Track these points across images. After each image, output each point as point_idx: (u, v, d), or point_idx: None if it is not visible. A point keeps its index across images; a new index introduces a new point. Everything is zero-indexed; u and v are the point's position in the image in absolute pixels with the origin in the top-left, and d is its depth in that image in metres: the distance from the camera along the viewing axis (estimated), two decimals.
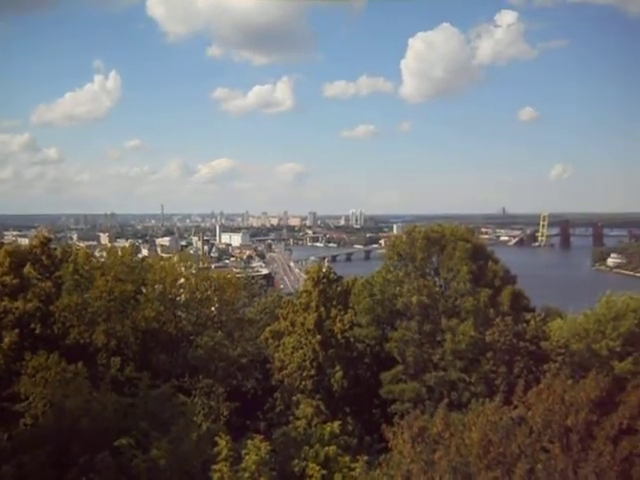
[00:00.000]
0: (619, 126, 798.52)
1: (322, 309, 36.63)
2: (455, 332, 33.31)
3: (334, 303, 37.27)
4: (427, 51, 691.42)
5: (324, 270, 39.15)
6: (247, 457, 20.52)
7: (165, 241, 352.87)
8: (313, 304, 36.91)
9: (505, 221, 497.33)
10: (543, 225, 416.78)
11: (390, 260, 38.12)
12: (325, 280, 37.82)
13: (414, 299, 34.31)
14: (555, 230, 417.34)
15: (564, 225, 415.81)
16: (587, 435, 15.38)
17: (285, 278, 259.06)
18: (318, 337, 35.53)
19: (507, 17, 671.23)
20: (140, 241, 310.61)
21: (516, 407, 17.13)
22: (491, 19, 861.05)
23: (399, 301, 35.17)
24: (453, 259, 35.16)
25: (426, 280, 35.79)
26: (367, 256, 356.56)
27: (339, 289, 38.29)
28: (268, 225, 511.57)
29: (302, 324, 36.46)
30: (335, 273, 39.69)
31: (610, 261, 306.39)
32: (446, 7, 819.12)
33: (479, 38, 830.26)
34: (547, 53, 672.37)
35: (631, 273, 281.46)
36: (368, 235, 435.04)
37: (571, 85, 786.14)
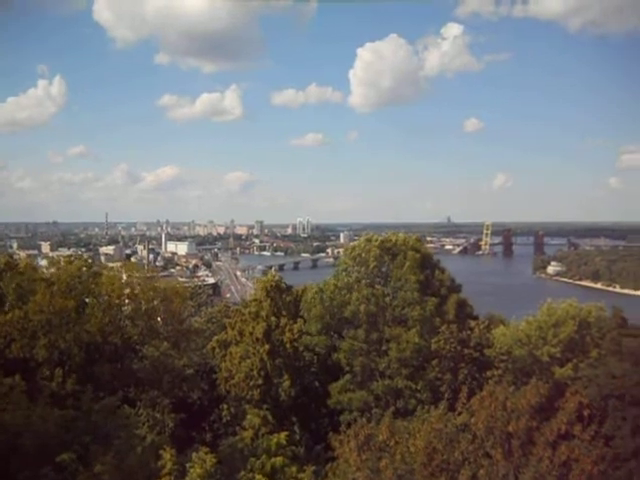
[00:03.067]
0: (559, 137, 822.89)
1: (272, 318, 36.53)
2: (400, 340, 33.70)
3: (283, 312, 37.21)
4: (375, 61, 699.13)
5: (275, 279, 39.06)
6: (192, 470, 20.25)
7: (109, 250, 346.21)
8: (263, 313, 36.77)
9: (450, 230, 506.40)
10: (486, 234, 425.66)
11: (343, 266, 38.40)
12: (276, 289, 37.77)
13: (362, 308, 34.59)
14: (498, 239, 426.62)
15: (506, 234, 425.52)
16: (527, 441, 15.77)
17: (232, 287, 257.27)
18: (266, 346, 35.37)
19: (453, 30, 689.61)
20: (83, 250, 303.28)
21: (460, 414, 17.42)
22: (438, 31, 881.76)
23: (348, 309, 35.39)
24: (403, 268, 35.65)
25: (375, 289, 36.17)
26: (314, 265, 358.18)
27: (289, 298, 38.26)
28: (215, 234, 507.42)
29: (251, 333, 36.23)
30: (285, 283, 39.65)
31: (550, 269, 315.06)
32: (394, 18, 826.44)
33: (426, 50, 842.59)
34: (492, 65, 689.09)
35: (570, 281, 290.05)
36: (315, 244, 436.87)
37: (514, 97, 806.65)
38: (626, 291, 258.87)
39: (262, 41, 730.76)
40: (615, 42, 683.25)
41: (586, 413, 16.50)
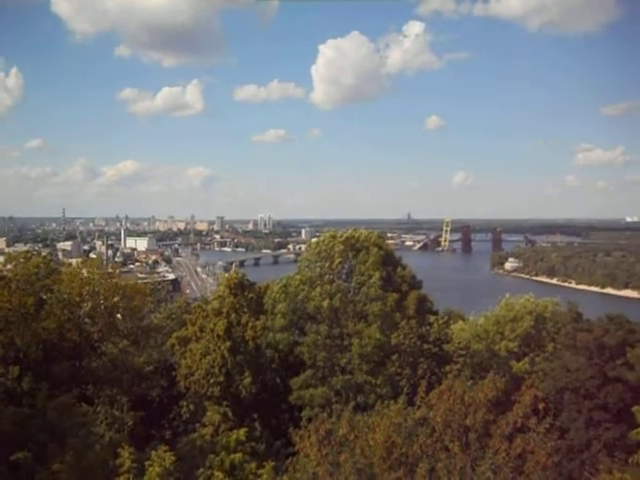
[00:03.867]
0: (518, 136, 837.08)
1: (234, 315, 36.41)
2: (362, 336, 33.93)
3: (246, 309, 37.12)
4: (337, 58, 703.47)
5: (239, 276, 38.93)
6: (150, 468, 20.10)
7: (67, 245, 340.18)
8: (225, 310, 36.65)
9: (410, 226, 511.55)
10: (446, 230, 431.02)
11: (306, 262, 38.46)
12: (239, 286, 37.64)
13: (325, 303, 34.71)
14: (457, 235, 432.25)
15: (465, 230, 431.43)
16: (484, 434, 16.06)
17: (192, 283, 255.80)
18: (228, 343, 35.24)
19: (415, 28, 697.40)
20: (40, 246, 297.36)
21: (419, 408, 17.64)
22: (399, 29, 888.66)
23: (311, 304, 35.46)
24: (366, 264, 35.88)
25: (339, 284, 36.36)
26: (275, 261, 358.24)
27: (252, 295, 38.16)
28: (175, 229, 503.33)
29: (212, 330, 36.07)
30: (248, 280, 39.54)
31: (508, 265, 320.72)
32: (356, 15, 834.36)
33: (388, 47, 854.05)
34: (453, 64, 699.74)
35: (527, 276, 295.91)
36: (277, 240, 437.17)
37: (474, 95, 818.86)
38: (581, 286, 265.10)
39: (224, 36, 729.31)
40: (572, 42, 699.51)
41: (541, 406, 16.86)
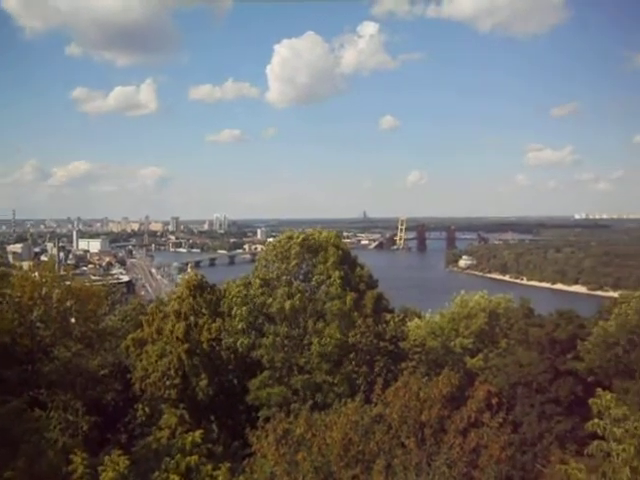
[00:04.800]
0: (471, 135, 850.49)
1: (192, 317, 36.16)
2: (322, 335, 34.03)
3: (204, 311, 36.90)
4: (292, 58, 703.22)
5: (198, 277, 38.69)
6: (104, 473, 19.84)
7: (17, 248, 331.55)
8: (183, 311, 36.37)
9: (366, 225, 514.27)
10: (401, 229, 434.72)
11: (263, 262, 38.35)
12: (198, 287, 37.40)
13: (287, 304, 34.71)
14: (412, 234, 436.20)
15: (420, 229, 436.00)
16: (439, 429, 16.31)
17: (147, 285, 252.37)
18: (185, 345, 35.00)
19: (369, 28, 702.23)
20: None
21: (375, 405, 17.81)
22: (354, 30, 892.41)
23: (273, 306, 35.41)
24: (326, 264, 35.98)
25: (297, 285, 36.39)
26: (231, 261, 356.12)
27: (210, 297, 37.92)
28: (129, 231, 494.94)
29: (171, 331, 35.79)
30: (207, 281, 39.30)
31: (462, 263, 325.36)
32: (311, 16, 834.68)
33: (342, 47, 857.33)
34: (406, 64, 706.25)
35: (480, 274, 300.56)
36: (232, 240, 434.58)
37: (428, 95, 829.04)
38: (532, 283, 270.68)
39: (178, 35, 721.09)
40: (522, 44, 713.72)
41: (495, 401, 17.19)
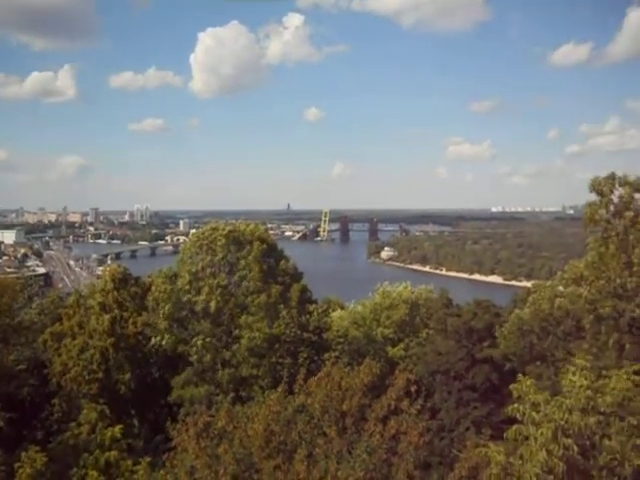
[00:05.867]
0: (394, 128, 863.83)
1: (116, 310, 35.37)
2: (252, 329, 33.85)
3: (129, 304, 36.15)
4: (217, 47, 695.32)
5: (122, 270, 37.78)
6: (21, 470, 19.26)
7: None
8: (108, 304, 35.54)
9: (290, 217, 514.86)
10: (325, 221, 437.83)
11: (188, 253, 37.83)
12: (122, 280, 36.56)
13: (212, 303, 34.43)
14: (336, 225, 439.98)
15: (344, 220, 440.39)
16: (360, 417, 16.56)
17: (65, 277, 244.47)
18: (110, 339, 34.22)
19: (295, 20, 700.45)
20: None
21: (298, 396, 17.90)
22: (280, 21, 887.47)
23: (198, 303, 35.03)
24: (248, 258, 35.80)
25: (221, 278, 36.08)
26: (153, 253, 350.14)
27: (135, 289, 37.15)
28: (46, 221, 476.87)
29: (94, 325, 34.91)
30: (131, 274, 38.44)
31: (384, 254, 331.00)
32: (236, 5, 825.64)
33: (268, 38, 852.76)
34: (331, 56, 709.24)
35: (402, 264, 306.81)
36: (154, 231, 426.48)
37: (353, 88, 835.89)
38: (451, 273, 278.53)
39: (98, 20, 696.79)
40: (444, 40, 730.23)
41: (414, 389, 17.56)
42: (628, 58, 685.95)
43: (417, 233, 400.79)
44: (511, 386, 15.15)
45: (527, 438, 12.90)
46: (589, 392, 12.28)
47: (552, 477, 11.50)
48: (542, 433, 12.31)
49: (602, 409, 11.98)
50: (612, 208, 24.94)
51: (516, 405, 13.76)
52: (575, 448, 11.58)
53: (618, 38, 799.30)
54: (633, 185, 24.55)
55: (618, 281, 24.30)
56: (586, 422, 11.67)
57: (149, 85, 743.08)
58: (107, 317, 34.89)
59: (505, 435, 14.30)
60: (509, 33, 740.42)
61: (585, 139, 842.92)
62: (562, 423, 12.04)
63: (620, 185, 24.75)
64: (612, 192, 24.87)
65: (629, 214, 24.15)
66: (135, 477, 21.54)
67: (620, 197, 24.74)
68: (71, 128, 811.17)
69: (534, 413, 13.12)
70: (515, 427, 13.48)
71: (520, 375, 15.55)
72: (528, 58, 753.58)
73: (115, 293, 36.13)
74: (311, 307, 36.91)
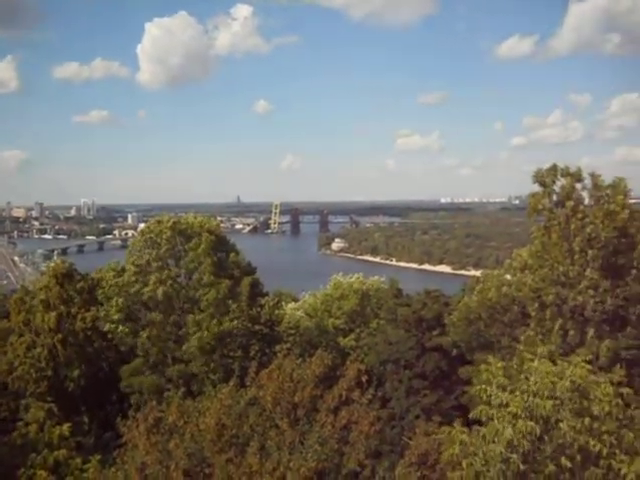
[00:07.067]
0: (343, 120, 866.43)
1: (62, 306, 34.66)
2: (201, 328, 33.57)
3: (76, 300, 35.48)
4: (164, 37, 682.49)
5: (66, 265, 36.98)
6: None
7: None
8: (52, 301, 34.80)
9: (240, 210, 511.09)
10: (275, 213, 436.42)
11: (136, 247, 37.29)
12: (66, 276, 35.83)
13: (160, 291, 33.96)
14: (286, 217, 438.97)
15: (294, 213, 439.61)
16: (312, 409, 16.70)
17: (9, 274, 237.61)
18: (58, 336, 33.58)
19: (243, 11, 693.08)
20: None
21: (250, 389, 17.90)
22: (228, 12, 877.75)
23: (145, 293, 34.56)
24: (197, 250, 35.42)
25: (170, 271, 35.69)
26: (101, 247, 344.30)
27: (81, 285, 36.44)
28: None
29: (41, 322, 34.17)
30: (77, 269, 37.69)
31: (335, 245, 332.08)
32: None
33: (217, 29, 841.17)
34: (280, 48, 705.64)
35: (352, 256, 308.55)
36: (101, 226, 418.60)
37: (302, 80, 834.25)
38: (401, 264, 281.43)
39: (40, 9, 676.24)
40: (393, 33, 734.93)
41: (365, 379, 17.77)
42: (571, 52, 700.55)
43: (367, 224, 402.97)
44: (481, 366, 15.32)
45: (491, 419, 13.17)
46: (552, 377, 12.63)
47: (515, 455, 11.83)
48: (509, 412, 12.61)
49: (558, 394, 12.36)
50: (554, 198, 25.73)
51: (483, 386, 14.01)
52: (538, 430, 11.95)
53: (561, 32, 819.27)
54: (574, 176, 25.38)
55: (561, 269, 24.99)
56: (545, 405, 12.06)
57: (95, 76, 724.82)
58: (53, 314, 34.27)
59: (471, 415, 14.50)
60: (456, 26, 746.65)
61: (530, 131, 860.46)
62: (526, 405, 12.38)
63: (562, 176, 25.55)
64: (554, 183, 25.67)
65: (570, 203, 24.88)
66: (85, 475, 21.28)
67: (562, 187, 25.53)
68: (13, 121, 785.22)
69: (501, 393, 13.38)
70: (481, 408, 13.73)
71: (464, 363, 15.81)
72: (474, 51, 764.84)
73: (59, 289, 35.41)
74: (262, 300, 36.83)
